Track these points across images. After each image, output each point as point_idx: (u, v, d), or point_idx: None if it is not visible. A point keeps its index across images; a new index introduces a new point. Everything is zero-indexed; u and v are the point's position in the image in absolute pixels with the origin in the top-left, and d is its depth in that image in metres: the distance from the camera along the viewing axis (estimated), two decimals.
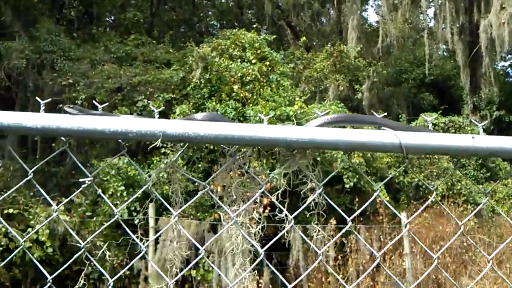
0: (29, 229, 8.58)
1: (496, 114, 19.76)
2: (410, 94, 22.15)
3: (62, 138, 1.35)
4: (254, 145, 1.34)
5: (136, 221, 9.09)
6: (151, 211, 8.90)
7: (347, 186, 10.70)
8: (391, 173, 12.14)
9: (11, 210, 8.71)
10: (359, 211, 1.52)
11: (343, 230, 1.52)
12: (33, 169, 1.38)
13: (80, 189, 1.31)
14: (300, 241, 9.15)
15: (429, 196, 12.66)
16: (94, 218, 9.63)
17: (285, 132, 1.32)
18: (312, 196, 1.28)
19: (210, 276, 9.10)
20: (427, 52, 20.33)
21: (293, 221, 1.40)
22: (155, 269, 8.48)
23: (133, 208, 9.54)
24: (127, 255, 8.91)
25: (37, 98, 1.59)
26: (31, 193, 9.41)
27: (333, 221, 9.28)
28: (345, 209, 10.18)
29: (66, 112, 1.36)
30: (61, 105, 11.22)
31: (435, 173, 13.26)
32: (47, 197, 1.45)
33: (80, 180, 1.27)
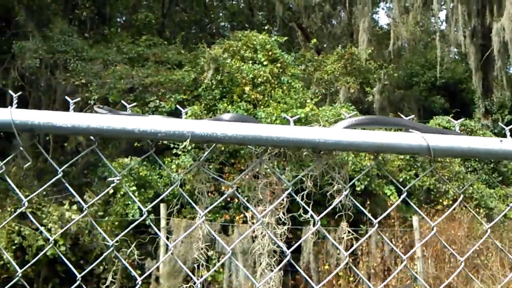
0: (42, 228, 8.63)
1: (508, 118, 19.61)
2: (421, 97, 22.04)
3: (91, 137, 1.37)
4: (281, 146, 1.34)
5: (147, 222, 9.13)
6: (162, 211, 8.92)
7: (358, 188, 10.66)
8: (402, 177, 12.09)
9: (23, 209, 8.76)
10: (385, 214, 1.52)
11: (370, 232, 1.51)
12: (62, 168, 1.39)
13: (109, 188, 1.32)
14: (311, 242, 9.13)
15: (441, 200, 12.64)
16: (106, 218, 9.68)
17: (312, 133, 1.32)
18: (338, 198, 1.29)
19: (221, 277, 9.11)
20: (438, 55, 20.24)
21: (319, 223, 1.40)
22: (166, 269, 8.51)
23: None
24: (138, 255, 8.95)
25: (66, 97, 1.61)
26: (44, 192, 9.48)
27: (344, 224, 9.26)
28: (356, 212, 10.14)
29: (96, 112, 1.38)
30: (74, 106, 11.29)
31: (446, 177, 13.19)
32: (77, 196, 1.46)
33: (109, 179, 1.28)
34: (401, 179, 11.99)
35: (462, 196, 1.49)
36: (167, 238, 8.80)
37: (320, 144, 1.32)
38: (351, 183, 1.38)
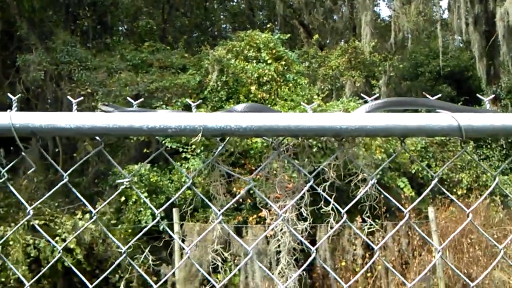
0: (57, 238, 8.59)
1: None
2: (427, 87, 21.86)
3: (97, 138, 1.29)
4: (300, 136, 1.25)
5: (161, 228, 9.08)
6: (175, 216, 8.85)
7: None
8: (414, 168, 11.94)
9: (37, 221, 8.75)
10: (416, 202, 1.42)
11: (399, 225, 1.42)
12: (67, 173, 1.31)
13: (119, 190, 1.24)
14: (326, 239, 9.02)
15: (455, 190, 12.48)
16: (119, 226, 9.63)
17: (333, 119, 1.23)
18: (364, 188, 1.19)
19: (237, 280, 9.02)
20: (440, 45, 20.09)
21: (345, 216, 1.31)
22: (182, 275, 8.44)
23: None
24: (151, 261, 8.89)
25: (68, 97, 1.53)
26: (56, 204, 9.46)
27: (358, 219, 9.13)
28: (369, 206, 10.01)
29: (101, 111, 1.30)
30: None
31: (459, 166, 13.05)
32: (86, 202, 1.38)
33: (118, 181, 1.20)
34: (413, 171, 11.85)
35: (497, 179, 1.39)
36: (182, 242, 8.72)
37: (343, 130, 1.23)
38: (377, 171, 1.29)
